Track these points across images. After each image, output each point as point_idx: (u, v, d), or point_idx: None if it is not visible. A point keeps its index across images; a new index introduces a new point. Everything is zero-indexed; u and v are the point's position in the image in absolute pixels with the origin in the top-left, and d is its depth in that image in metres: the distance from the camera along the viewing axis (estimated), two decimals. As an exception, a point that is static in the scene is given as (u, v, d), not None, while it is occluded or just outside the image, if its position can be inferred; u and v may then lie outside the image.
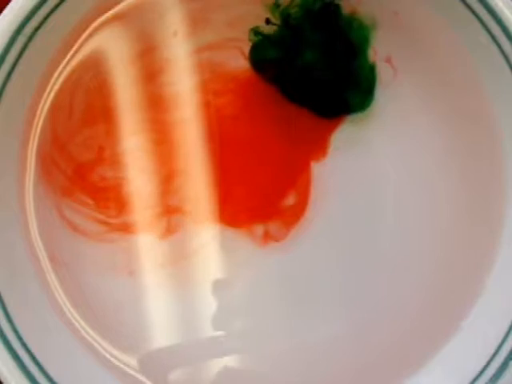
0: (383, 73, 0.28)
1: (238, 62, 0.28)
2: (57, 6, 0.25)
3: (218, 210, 0.28)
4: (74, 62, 0.27)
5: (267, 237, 0.28)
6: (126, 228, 0.28)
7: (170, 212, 0.28)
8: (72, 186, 0.27)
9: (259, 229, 0.28)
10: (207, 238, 0.28)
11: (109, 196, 0.28)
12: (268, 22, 0.27)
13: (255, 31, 0.28)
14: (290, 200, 0.28)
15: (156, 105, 0.28)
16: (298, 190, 0.28)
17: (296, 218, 0.28)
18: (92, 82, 0.28)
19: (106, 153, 0.28)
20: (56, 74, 0.27)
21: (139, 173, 0.28)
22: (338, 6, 0.27)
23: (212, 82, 0.28)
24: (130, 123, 0.28)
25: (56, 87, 0.27)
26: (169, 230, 0.28)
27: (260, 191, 0.28)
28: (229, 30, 0.28)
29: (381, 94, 0.28)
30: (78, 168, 0.28)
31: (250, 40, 0.28)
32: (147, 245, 0.28)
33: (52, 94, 0.27)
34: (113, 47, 0.28)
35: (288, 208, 0.28)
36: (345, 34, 0.28)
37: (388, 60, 0.28)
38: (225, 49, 0.28)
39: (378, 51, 0.28)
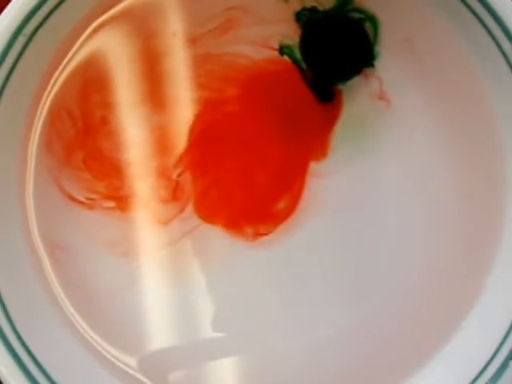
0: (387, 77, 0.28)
1: (244, 61, 0.28)
2: (57, 6, 0.25)
3: (214, 211, 0.28)
4: (74, 62, 0.27)
5: (256, 234, 0.28)
6: (120, 201, 0.28)
7: (162, 201, 0.28)
8: (77, 143, 0.27)
9: (250, 229, 0.28)
10: (196, 230, 0.28)
11: (107, 165, 0.28)
12: (297, 18, 0.28)
13: (283, 46, 0.28)
14: (284, 203, 0.28)
15: (156, 103, 0.28)
16: (292, 192, 0.28)
17: (285, 217, 0.28)
18: (92, 81, 0.28)
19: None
20: (56, 74, 0.27)
21: (137, 154, 0.28)
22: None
23: (213, 79, 0.28)
24: (131, 120, 0.28)
25: (56, 87, 0.27)
26: (160, 217, 0.28)
27: (258, 193, 0.28)
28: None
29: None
30: (88, 123, 0.28)
31: (280, 55, 0.28)
32: (140, 224, 0.28)
33: (52, 94, 0.27)
34: (113, 47, 0.28)
35: (280, 210, 0.28)
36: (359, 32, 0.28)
37: (382, 96, 0.28)
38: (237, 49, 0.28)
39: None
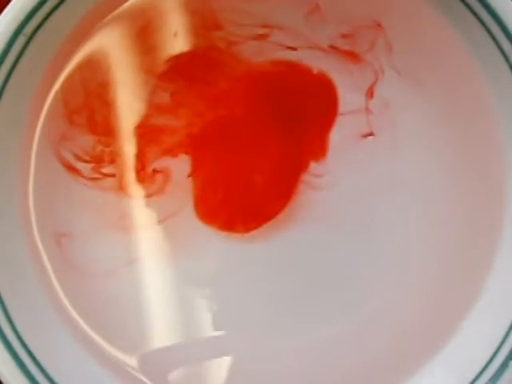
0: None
1: (246, 62, 0.28)
2: (57, 6, 0.25)
3: (213, 214, 0.28)
4: (74, 62, 0.27)
5: (247, 229, 0.28)
6: (102, 163, 0.28)
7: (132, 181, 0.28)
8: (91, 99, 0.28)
9: (242, 227, 0.28)
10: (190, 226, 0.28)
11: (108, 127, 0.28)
12: None
13: None
14: (279, 200, 0.28)
15: (156, 102, 0.28)
16: (288, 192, 0.28)
17: (276, 214, 0.28)
18: (92, 81, 0.28)
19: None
20: (56, 74, 0.27)
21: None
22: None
23: (215, 79, 0.28)
24: (131, 122, 0.28)
25: (56, 87, 0.27)
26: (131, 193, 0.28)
27: (256, 195, 0.28)
28: None
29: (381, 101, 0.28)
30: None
31: None
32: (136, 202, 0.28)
33: (52, 94, 0.27)
34: (113, 47, 0.28)
35: (273, 207, 0.28)
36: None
37: (368, 133, 0.28)
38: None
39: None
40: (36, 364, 0.26)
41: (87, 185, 0.28)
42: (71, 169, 0.28)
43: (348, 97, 0.28)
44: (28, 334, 0.26)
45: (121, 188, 0.28)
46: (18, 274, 0.27)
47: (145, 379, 0.28)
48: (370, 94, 0.28)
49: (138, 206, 0.28)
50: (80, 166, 0.28)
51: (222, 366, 0.28)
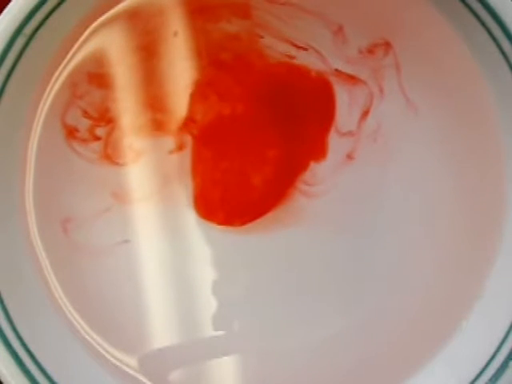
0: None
1: (248, 64, 0.28)
2: (57, 6, 0.25)
3: (212, 211, 0.28)
4: (74, 62, 0.27)
5: (243, 223, 0.29)
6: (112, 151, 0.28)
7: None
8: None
9: (239, 222, 0.28)
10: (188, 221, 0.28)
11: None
12: None
13: None
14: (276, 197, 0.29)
15: (158, 103, 0.28)
16: (285, 192, 0.29)
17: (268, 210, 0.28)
18: (92, 81, 0.28)
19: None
20: (56, 74, 0.27)
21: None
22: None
23: (216, 79, 0.28)
24: (132, 124, 0.28)
25: (56, 87, 0.27)
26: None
27: (254, 194, 0.28)
28: None
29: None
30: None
31: None
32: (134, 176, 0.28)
33: (52, 95, 0.27)
34: (113, 47, 0.28)
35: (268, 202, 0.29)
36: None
37: (351, 155, 0.28)
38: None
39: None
40: (36, 364, 0.26)
41: (78, 151, 0.27)
42: (70, 131, 0.27)
43: (344, 115, 0.28)
44: (28, 334, 0.26)
45: (104, 154, 0.28)
46: (18, 274, 0.27)
47: (145, 379, 0.28)
48: (365, 113, 0.28)
49: (132, 180, 0.28)
50: (81, 124, 0.27)
51: (222, 366, 0.28)
